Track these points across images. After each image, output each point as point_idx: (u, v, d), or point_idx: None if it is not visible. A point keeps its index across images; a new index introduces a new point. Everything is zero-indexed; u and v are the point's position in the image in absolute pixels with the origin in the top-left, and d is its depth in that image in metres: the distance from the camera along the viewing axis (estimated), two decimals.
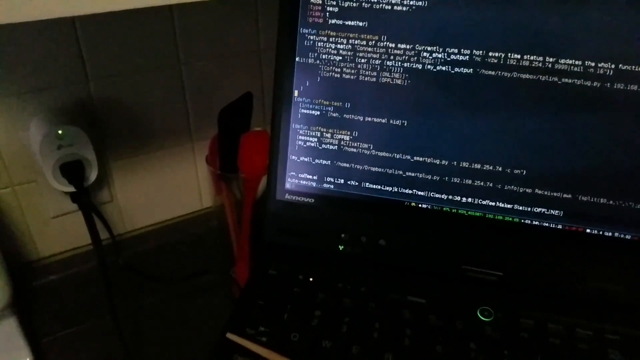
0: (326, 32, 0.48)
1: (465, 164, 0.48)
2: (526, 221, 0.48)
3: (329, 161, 0.51)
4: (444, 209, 0.50)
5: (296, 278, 0.51)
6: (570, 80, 0.44)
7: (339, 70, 0.48)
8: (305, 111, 0.50)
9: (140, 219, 0.74)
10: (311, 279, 0.50)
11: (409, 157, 0.49)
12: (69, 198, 0.65)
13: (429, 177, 0.49)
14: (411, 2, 0.46)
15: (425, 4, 0.45)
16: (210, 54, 0.68)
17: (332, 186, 0.52)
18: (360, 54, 0.48)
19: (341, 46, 0.48)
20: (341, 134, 0.50)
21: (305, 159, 0.52)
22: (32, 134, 0.60)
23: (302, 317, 0.47)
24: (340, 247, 0.53)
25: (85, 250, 0.70)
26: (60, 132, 0.58)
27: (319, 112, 0.50)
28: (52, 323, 0.61)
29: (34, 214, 0.66)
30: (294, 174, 0.53)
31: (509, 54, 0.45)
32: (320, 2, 0.47)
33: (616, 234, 0.47)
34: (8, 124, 0.59)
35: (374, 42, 0.47)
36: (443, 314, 0.47)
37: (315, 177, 0.52)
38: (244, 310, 0.48)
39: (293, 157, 0.52)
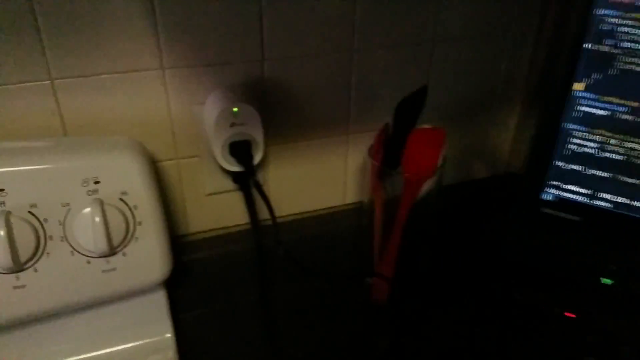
0: (636, 15, 0.39)
1: None
2: None
3: (610, 174, 0.42)
4: None
5: (550, 310, 0.42)
6: None
7: None
8: (586, 109, 0.42)
9: (286, 206, 0.72)
10: (573, 315, 0.42)
11: None
12: (228, 177, 0.64)
13: None
14: None
15: None
16: (383, 42, 0.65)
17: (608, 205, 0.43)
18: None
19: None
20: (634, 141, 0.41)
21: (577, 167, 0.44)
22: (207, 109, 0.59)
23: None
24: (604, 280, 0.44)
25: (234, 230, 0.69)
26: (235, 109, 0.56)
27: (606, 112, 0.42)
28: (195, 299, 0.60)
29: (191, 188, 0.65)
30: (557, 183, 0.45)
31: None
32: None
33: None
34: (184, 95, 0.59)
35: None
36: None
37: (586, 191, 0.44)
38: (488, 337, 0.40)
39: (560, 162, 0.44)
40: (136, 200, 0.51)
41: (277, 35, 0.59)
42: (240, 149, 0.59)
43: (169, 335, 0.55)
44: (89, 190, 0.49)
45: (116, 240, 0.51)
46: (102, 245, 0.49)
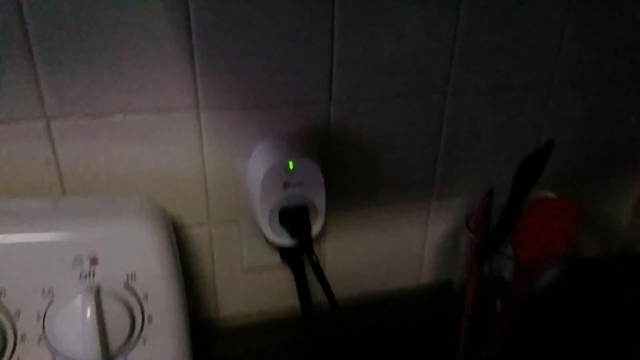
0: None
1: None
2: None
3: None
4: None
5: None
6: None
7: None
8: None
9: (344, 286, 0.56)
10: None
11: None
12: (274, 250, 0.49)
13: None
14: None
15: None
16: (486, 84, 0.49)
17: None
18: None
19: None
20: None
21: None
22: (253, 163, 0.44)
23: None
24: None
25: (278, 316, 0.54)
26: (291, 165, 0.42)
27: None
28: None
29: (225, 263, 0.50)
30: None
31: None
32: None
33: None
34: (224, 145, 0.45)
35: None
36: None
37: None
38: None
39: None
40: (147, 286, 0.37)
41: (350, 70, 0.45)
42: (293, 217, 0.44)
43: None
44: (83, 273, 0.35)
45: (115, 344, 0.37)
46: (94, 352, 0.35)
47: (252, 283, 0.52)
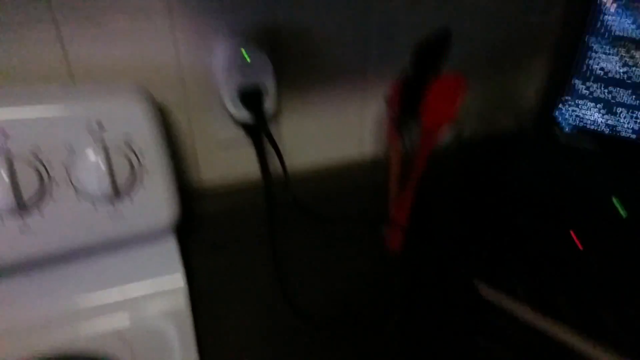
0: None
1: None
2: None
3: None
4: None
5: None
6: None
7: None
8: (610, 18, 0.34)
9: (300, 159, 0.70)
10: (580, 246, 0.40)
11: None
12: (240, 127, 0.63)
13: None
14: None
15: None
16: None
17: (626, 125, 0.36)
18: None
19: None
20: None
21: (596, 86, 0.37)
22: (217, 55, 0.57)
23: None
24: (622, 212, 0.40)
25: (247, 181, 0.68)
26: (246, 54, 0.55)
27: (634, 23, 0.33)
28: (206, 249, 0.60)
29: (203, 139, 0.64)
30: (573, 102, 0.40)
31: None
32: None
33: None
34: (194, 41, 0.57)
35: None
36: None
37: (605, 115, 0.37)
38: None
39: (578, 82, 0.38)
40: (141, 145, 0.51)
41: None
42: (252, 99, 0.57)
43: (180, 280, 0.55)
44: (93, 134, 0.49)
45: (121, 184, 0.50)
46: (106, 188, 0.49)
47: (225, 156, 0.66)
